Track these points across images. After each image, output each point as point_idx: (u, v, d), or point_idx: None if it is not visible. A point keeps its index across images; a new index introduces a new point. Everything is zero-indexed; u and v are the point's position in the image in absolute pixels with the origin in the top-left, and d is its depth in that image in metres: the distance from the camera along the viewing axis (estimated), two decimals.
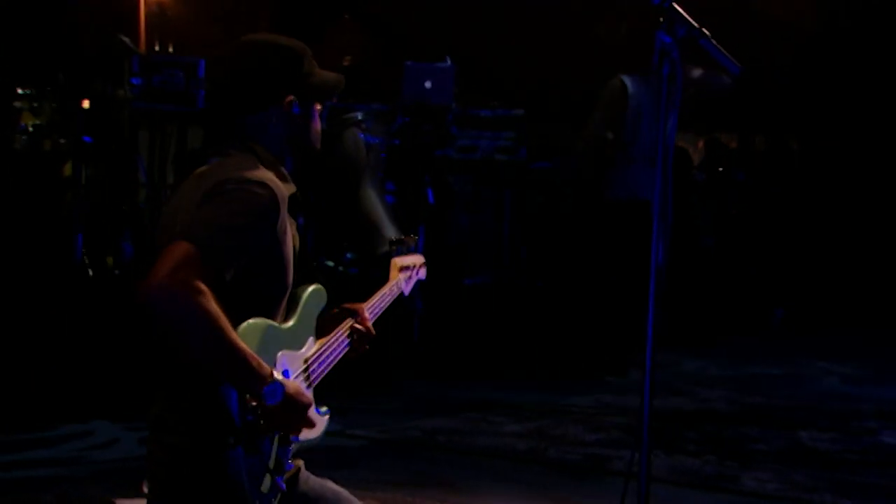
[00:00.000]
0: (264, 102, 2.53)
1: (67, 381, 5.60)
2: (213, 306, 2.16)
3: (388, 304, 2.95)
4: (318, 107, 2.65)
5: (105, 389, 5.57)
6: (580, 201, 7.80)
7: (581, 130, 7.04)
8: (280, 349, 2.40)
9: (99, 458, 4.83)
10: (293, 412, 2.30)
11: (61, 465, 4.73)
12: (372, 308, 2.85)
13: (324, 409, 2.49)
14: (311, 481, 2.63)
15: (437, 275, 7.54)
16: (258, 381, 2.22)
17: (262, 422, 2.25)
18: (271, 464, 2.35)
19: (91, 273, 6.18)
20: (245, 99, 2.53)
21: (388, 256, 3.16)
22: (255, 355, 2.23)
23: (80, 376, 5.61)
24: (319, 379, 2.54)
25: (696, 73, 6.75)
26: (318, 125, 2.65)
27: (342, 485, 2.72)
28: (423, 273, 3.22)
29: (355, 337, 2.73)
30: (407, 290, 3.11)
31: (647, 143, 6.82)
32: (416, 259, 3.20)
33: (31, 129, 6.46)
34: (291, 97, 2.54)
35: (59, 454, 4.88)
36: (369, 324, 2.78)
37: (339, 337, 2.68)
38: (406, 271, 3.12)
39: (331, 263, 6.67)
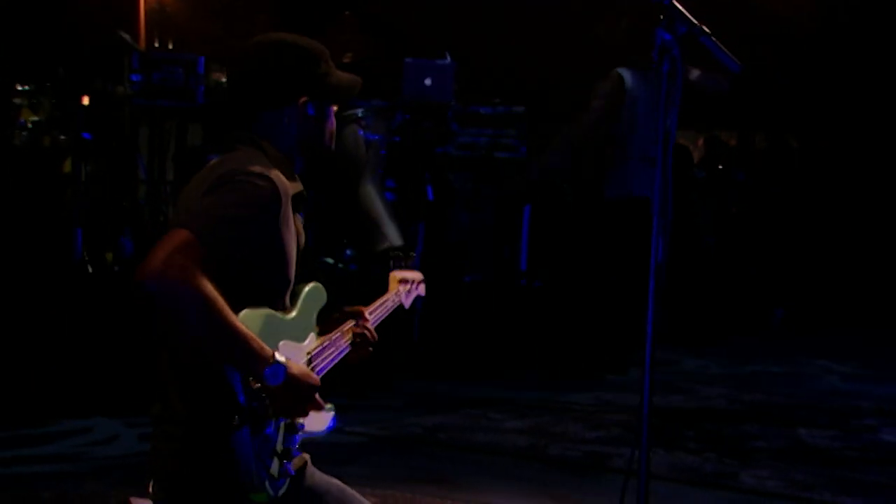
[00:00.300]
0: (278, 102, 2.54)
1: (67, 377, 5.59)
2: (210, 289, 2.17)
3: (387, 313, 2.97)
4: (334, 108, 2.66)
5: (105, 386, 5.57)
6: (578, 198, 7.80)
7: (572, 124, 7.00)
8: (281, 338, 2.41)
9: (99, 455, 4.83)
10: (298, 393, 2.31)
11: (61, 461, 4.73)
12: (373, 312, 2.86)
13: (328, 406, 2.50)
14: (317, 476, 2.64)
15: (436, 272, 7.54)
16: (259, 362, 2.23)
17: (267, 403, 2.25)
18: (279, 448, 2.36)
19: (91, 270, 6.18)
20: (259, 97, 2.53)
21: (387, 254, 3.18)
22: (256, 337, 2.24)
23: (79, 373, 5.62)
24: (321, 375, 2.55)
25: (695, 73, 6.75)
26: (332, 126, 2.66)
27: (343, 481, 2.72)
28: (422, 289, 3.24)
29: (357, 339, 2.73)
30: (407, 303, 3.14)
31: (643, 139, 6.81)
32: (416, 275, 3.21)
33: (30, 125, 6.45)
34: (305, 98, 2.55)
35: (60, 450, 4.88)
36: (371, 326, 2.78)
37: (341, 336, 2.69)
38: (406, 284, 3.14)
39: (330, 261, 6.67)
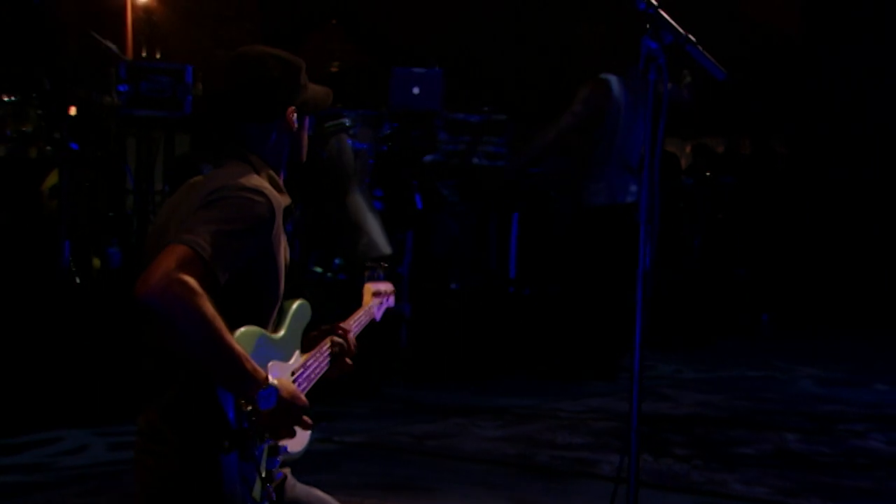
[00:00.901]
0: (269, 114, 2.54)
1: (38, 387, 5.56)
2: (210, 308, 2.17)
3: (362, 327, 2.98)
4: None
5: (75, 395, 5.54)
6: (563, 206, 7.81)
7: (550, 126, 7.00)
8: (271, 359, 2.41)
9: (69, 464, 4.79)
10: (288, 415, 2.32)
11: (31, 471, 4.69)
12: (350, 327, 2.87)
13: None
14: (298, 488, 2.64)
15: (425, 280, 7.52)
16: (253, 385, 2.24)
17: (256, 427, 2.25)
18: (262, 471, 2.36)
19: (78, 281, 6.15)
20: (250, 110, 2.54)
21: (364, 265, 3.20)
22: (251, 359, 2.24)
23: (58, 382, 5.58)
24: (304, 392, 2.56)
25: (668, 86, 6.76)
26: (306, 138, 2.67)
27: (328, 491, 2.72)
28: (392, 301, 3.24)
29: (336, 350, 2.74)
30: (378, 317, 3.14)
31: (624, 147, 6.81)
32: (388, 287, 3.23)
33: (16, 136, 6.42)
34: (294, 109, 2.56)
35: (29, 460, 4.84)
36: (351, 337, 2.79)
37: (322, 353, 2.70)
38: (378, 297, 3.14)
39: (319, 270, 6.66)
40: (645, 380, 2.99)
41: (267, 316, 2.47)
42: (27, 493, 4.38)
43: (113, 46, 7.03)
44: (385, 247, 6.56)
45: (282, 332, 2.52)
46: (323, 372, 2.68)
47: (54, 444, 5.09)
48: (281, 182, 2.57)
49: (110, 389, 5.46)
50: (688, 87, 6.89)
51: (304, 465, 2.66)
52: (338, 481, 4.42)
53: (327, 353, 2.71)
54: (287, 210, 2.52)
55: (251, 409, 2.24)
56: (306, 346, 2.67)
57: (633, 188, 6.88)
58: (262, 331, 2.39)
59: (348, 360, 2.76)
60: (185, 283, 2.14)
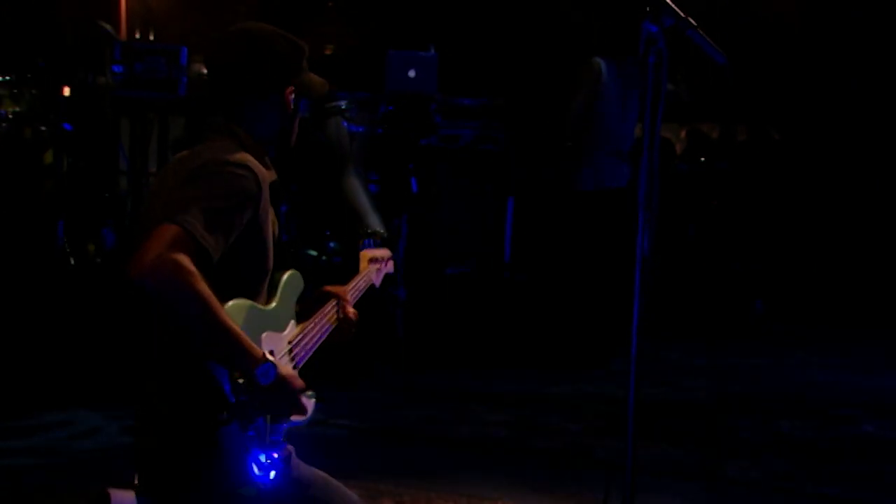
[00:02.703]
0: (266, 88, 2.54)
1: (48, 369, 5.56)
2: (204, 286, 2.17)
3: (361, 292, 2.98)
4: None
5: (86, 378, 5.54)
6: (555, 191, 7.79)
7: (560, 116, 6.98)
8: (263, 330, 2.42)
9: (80, 448, 4.81)
10: (285, 394, 2.32)
11: (43, 454, 4.71)
12: (350, 293, 2.88)
13: (310, 392, 2.50)
14: (302, 467, 2.65)
15: (420, 265, 7.50)
16: (251, 361, 2.24)
17: (254, 401, 2.25)
18: (266, 440, 2.36)
19: (72, 261, 6.15)
20: (247, 81, 2.53)
21: (358, 234, 3.22)
22: (246, 336, 2.24)
23: (60, 365, 5.58)
24: (304, 361, 2.57)
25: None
26: (297, 124, 2.67)
27: (327, 473, 2.72)
28: (390, 266, 3.26)
29: (340, 319, 2.75)
30: (377, 282, 3.16)
31: (611, 131, 6.79)
32: (385, 253, 3.23)
33: (11, 116, 6.40)
34: (292, 88, 2.55)
35: (41, 443, 4.86)
36: (350, 307, 2.80)
37: (322, 320, 2.70)
38: (376, 263, 3.16)
39: (314, 252, 6.65)
40: (647, 366, 2.99)
41: (257, 289, 2.48)
42: (39, 475, 4.38)
43: (108, 27, 7.00)
44: (380, 230, 6.55)
45: (274, 304, 2.52)
46: (322, 340, 2.68)
47: (65, 428, 5.07)
48: (268, 159, 2.56)
49: (120, 371, 5.45)
50: (685, 86, 6.86)
51: (301, 448, 2.66)
52: (334, 465, 4.40)
53: (326, 321, 2.71)
54: (276, 187, 2.52)
55: (245, 382, 2.23)
56: (303, 314, 2.67)
57: (624, 173, 6.86)
58: (252, 303, 2.39)
59: (349, 329, 2.77)
60: (177, 263, 2.14)
